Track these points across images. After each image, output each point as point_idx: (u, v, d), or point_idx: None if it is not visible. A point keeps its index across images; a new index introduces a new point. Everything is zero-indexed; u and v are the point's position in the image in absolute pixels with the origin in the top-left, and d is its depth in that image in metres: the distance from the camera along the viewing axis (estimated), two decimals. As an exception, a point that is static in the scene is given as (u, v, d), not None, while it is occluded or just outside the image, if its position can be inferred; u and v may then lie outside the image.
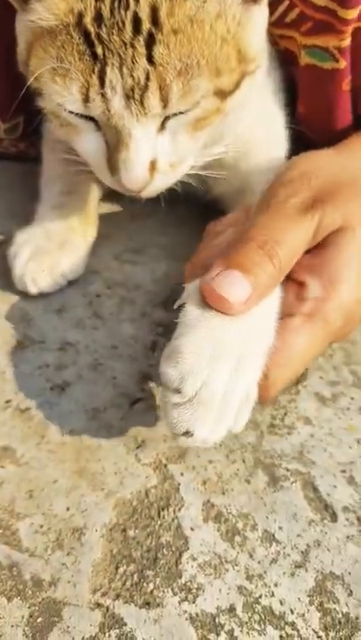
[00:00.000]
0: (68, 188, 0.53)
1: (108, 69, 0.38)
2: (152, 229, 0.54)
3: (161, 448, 0.39)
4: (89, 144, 0.43)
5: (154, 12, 0.37)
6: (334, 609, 0.33)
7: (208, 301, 0.34)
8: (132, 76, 0.38)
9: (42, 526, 0.36)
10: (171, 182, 0.44)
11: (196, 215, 0.55)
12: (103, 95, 0.39)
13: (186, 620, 0.33)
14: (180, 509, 0.37)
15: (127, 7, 0.37)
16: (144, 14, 0.37)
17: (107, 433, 0.40)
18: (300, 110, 0.51)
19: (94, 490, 0.37)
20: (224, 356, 0.34)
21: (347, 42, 0.45)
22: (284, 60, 0.51)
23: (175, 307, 0.36)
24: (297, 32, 0.47)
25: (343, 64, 0.46)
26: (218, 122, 0.43)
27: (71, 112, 0.41)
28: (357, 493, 0.38)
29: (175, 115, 0.41)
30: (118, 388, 0.42)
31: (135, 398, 0.42)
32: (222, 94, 0.41)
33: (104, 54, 0.38)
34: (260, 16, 0.44)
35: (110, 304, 0.47)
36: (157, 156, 0.41)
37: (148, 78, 0.38)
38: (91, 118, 0.41)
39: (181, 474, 0.38)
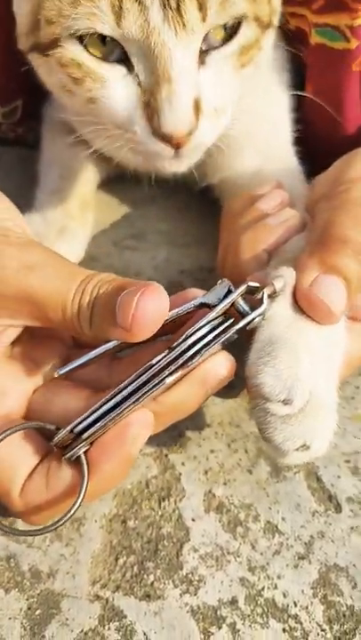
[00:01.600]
0: (66, 172, 0.52)
1: None
2: (152, 216, 0.53)
3: (162, 438, 0.38)
4: (119, 93, 0.38)
5: None
6: (338, 601, 0.33)
7: (306, 307, 0.32)
8: None
9: (40, 517, 0.35)
10: (214, 137, 0.40)
11: (196, 202, 0.54)
12: (140, 4, 0.35)
13: (187, 612, 0.32)
14: (181, 500, 0.36)
15: None
16: None
17: (106, 422, 0.39)
18: (308, 91, 0.49)
19: (94, 480, 0.37)
20: (319, 361, 0.32)
21: (359, 21, 0.43)
22: (295, 38, 0.49)
23: (260, 298, 0.32)
24: (308, 10, 0.46)
25: (355, 44, 0.45)
26: (255, 64, 0.40)
27: (99, 47, 0.37)
28: (362, 484, 0.37)
29: (217, 48, 0.38)
30: (118, 377, 0.41)
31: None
32: (261, 24, 0.39)
33: None
34: None
35: (110, 291, 0.46)
36: (201, 94, 0.37)
37: None
38: (120, 60, 0.37)
39: (182, 464, 0.38)
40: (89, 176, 0.53)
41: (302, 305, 0.32)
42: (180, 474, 0.37)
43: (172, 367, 0.30)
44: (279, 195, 0.41)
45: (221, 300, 0.31)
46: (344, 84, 0.47)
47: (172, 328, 0.32)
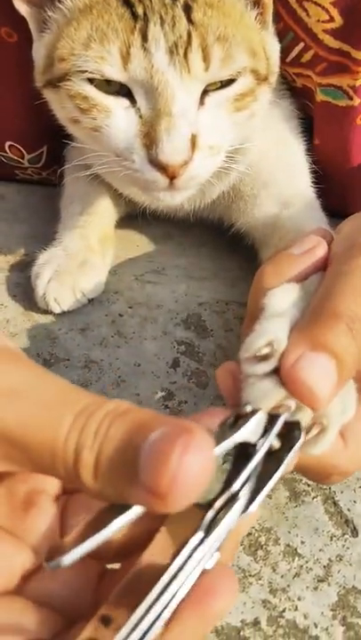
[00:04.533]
0: (86, 209, 0.54)
1: (151, 25, 0.39)
2: (171, 251, 0.56)
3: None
4: (121, 123, 0.41)
5: None
6: (357, 623, 0.34)
7: (288, 388, 0.28)
8: (174, 32, 0.39)
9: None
10: (207, 172, 0.43)
11: (211, 239, 0.57)
12: (146, 50, 0.39)
13: (211, 632, 0.33)
14: (203, 523, 0.38)
15: None
16: None
17: (131, 448, 0.41)
18: (316, 143, 0.53)
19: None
20: None
21: (360, 81, 0.47)
22: (302, 95, 0.53)
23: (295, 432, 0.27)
24: (313, 72, 0.49)
25: (357, 101, 0.48)
26: (250, 112, 0.43)
27: (103, 85, 0.40)
28: (378, 509, 0.39)
29: (215, 90, 0.41)
30: (142, 405, 0.43)
31: (158, 415, 0.43)
32: (258, 76, 0.43)
33: (145, 13, 0.39)
34: (273, 41, 0.46)
35: (133, 323, 0.49)
36: (198, 131, 0.40)
37: (189, 36, 0.39)
38: (124, 93, 0.41)
39: (205, 489, 0.39)
40: (108, 212, 0.56)
41: (285, 385, 0.28)
42: (203, 498, 0.39)
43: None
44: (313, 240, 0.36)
45: (259, 440, 0.25)
46: (350, 137, 0.50)
47: None
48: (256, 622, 0.34)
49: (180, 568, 0.22)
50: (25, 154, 0.59)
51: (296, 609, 0.35)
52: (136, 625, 0.21)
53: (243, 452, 0.25)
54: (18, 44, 0.50)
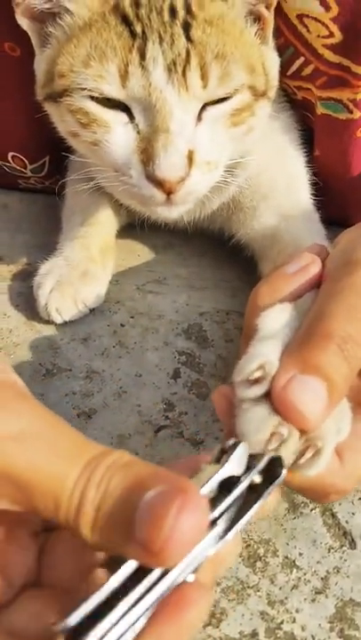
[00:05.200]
0: (87, 219, 0.55)
1: (149, 44, 0.39)
2: (172, 261, 0.56)
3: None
4: (119, 138, 0.41)
5: (187, 2, 0.40)
6: (355, 635, 0.34)
7: (279, 410, 0.28)
8: (172, 50, 0.39)
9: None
10: (204, 188, 0.43)
11: (211, 249, 0.57)
12: (144, 68, 0.39)
13: (210, 644, 0.34)
14: (203, 535, 0.38)
15: None
16: (179, 3, 0.40)
17: (132, 459, 0.41)
18: (316, 154, 0.53)
19: (120, 515, 0.39)
20: None
21: (360, 94, 0.47)
22: (302, 107, 0.53)
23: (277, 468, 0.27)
24: (313, 85, 0.49)
25: (358, 114, 0.48)
26: (247, 126, 0.44)
27: (103, 104, 0.41)
28: (376, 521, 0.39)
29: (212, 105, 0.41)
30: (143, 416, 0.44)
31: (159, 426, 0.43)
32: (255, 92, 0.43)
33: (143, 31, 0.40)
34: (272, 56, 0.47)
35: (134, 333, 0.49)
36: (196, 148, 0.41)
37: (188, 54, 0.39)
38: (123, 109, 0.41)
39: (204, 500, 0.40)
40: (109, 223, 0.56)
41: (277, 408, 0.29)
42: (202, 510, 0.39)
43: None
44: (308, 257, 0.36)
45: (243, 475, 0.26)
46: (350, 150, 0.51)
47: None
48: (254, 634, 0.34)
49: (152, 587, 0.23)
50: (27, 164, 0.59)
51: (294, 621, 0.35)
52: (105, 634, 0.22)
53: (227, 483, 0.25)
54: (21, 59, 0.50)
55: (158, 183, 0.41)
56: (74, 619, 0.22)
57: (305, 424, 0.28)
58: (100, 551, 0.24)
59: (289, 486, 0.33)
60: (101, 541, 0.23)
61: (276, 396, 0.29)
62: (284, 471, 0.27)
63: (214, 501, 0.25)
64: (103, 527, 0.23)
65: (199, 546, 0.23)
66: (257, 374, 0.29)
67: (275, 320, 0.32)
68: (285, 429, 0.28)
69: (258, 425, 0.28)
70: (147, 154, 0.40)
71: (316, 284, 0.34)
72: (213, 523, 0.24)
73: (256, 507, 0.26)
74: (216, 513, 0.24)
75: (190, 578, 0.23)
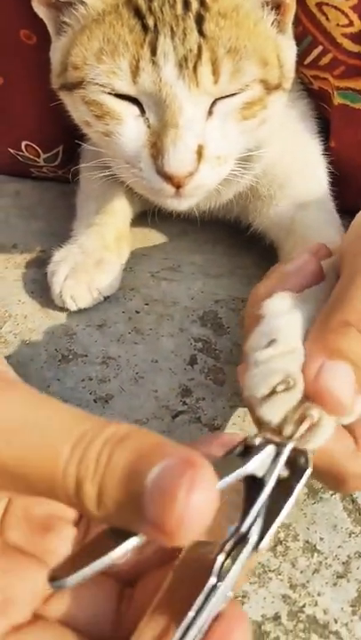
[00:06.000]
0: (102, 207, 0.55)
1: (161, 38, 0.39)
2: (187, 248, 0.56)
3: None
4: (131, 131, 0.42)
5: None
6: (377, 619, 0.34)
7: (315, 400, 0.28)
8: (184, 45, 0.39)
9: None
10: (214, 182, 0.43)
11: (226, 236, 0.57)
12: (155, 63, 0.39)
13: (232, 627, 0.34)
14: (223, 519, 0.38)
15: None
16: None
17: (150, 444, 0.41)
18: (332, 146, 0.53)
19: (140, 499, 0.38)
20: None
21: None
22: (319, 98, 0.53)
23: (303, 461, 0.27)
24: (330, 75, 0.49)
25: None
26: (259, 120, 0.43)
27: (116, 95, 0.41)
28: (396, 506, 0.39)
29: (223, 98, 0.41)
30: (160, 402, 0.44)
31: (177, 411, 0.43)
32: (268, 86, 0.42)
33: (155, 25, 0.39)
34: (289, 46, 0.46)
35: (149, 320, 0.49)
36: (205, 142, 0.41)
37: (200, 49, 0.39)
38: (135, 101, 0.41)
39: (224, 485, 0.39)
40: (124, 210, 0.56)
41: (311, 397, 0.29)
42: (222, 494, 0.39)
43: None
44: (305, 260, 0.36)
45: (266, 473, 0.25)
46: None
47: None
48: (277, 617, 0.34)
49: (195, 617, 0.22)
50: (41, 153, 0.59)
51: (316, 604, 0.35)
52: None
53: (249, 484, 0.25)
54: (37, 47, 0.50)
55: (167, 177, 0.41)
56: (72, 580, 0.21)
57: (341, 409, 0.28)
58: (109, 525, 0.23)
59: None
60: (108, 517, 0.22)
61: (309, 387, 0.29)
62: (310, 463, 0.26)
63: (239, 506, 0.24)
64: (109, 504, 0.22)
65: (238, 560, 0.23)
66: (280, 388, 0.29)
67: (278, 305, 0.32)
68: (316, 412, 0.28)
69: (284, 411, 0.28)
70: (156, 148, 0.41)
71: (316, 280, 0.35)
72: (245, 535, 0.24)
73: (288, 506, 0.25)
74: (247, 525, 0.24)
75: (229, 597, 0.23)
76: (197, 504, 0.20)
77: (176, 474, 0.21)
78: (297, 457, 0.26)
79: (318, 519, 0.38)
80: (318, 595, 0.35)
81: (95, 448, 0.22)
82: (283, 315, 0.32)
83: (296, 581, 0.36)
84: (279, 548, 0.37)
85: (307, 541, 0.37)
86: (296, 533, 0.38)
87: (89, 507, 0.22)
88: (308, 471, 0.26)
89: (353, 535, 0.38)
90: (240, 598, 0.35)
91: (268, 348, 0.30)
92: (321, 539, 0.37)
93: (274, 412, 0.28)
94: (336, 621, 0.34)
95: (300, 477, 0.26)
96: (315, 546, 0.37)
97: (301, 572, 0.36)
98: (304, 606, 0.35)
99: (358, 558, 0.37)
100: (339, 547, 0.37)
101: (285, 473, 0.26)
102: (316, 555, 0.37)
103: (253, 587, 0.35)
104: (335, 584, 0.36)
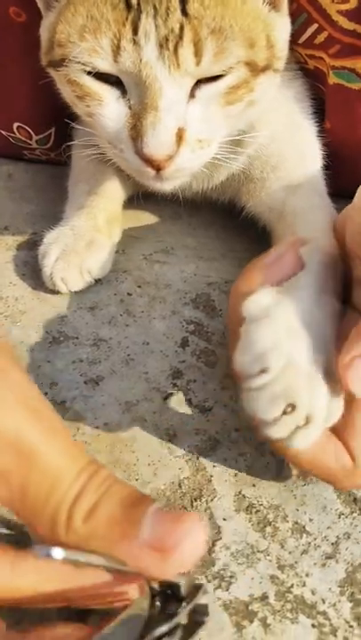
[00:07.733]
0: (94, 188, 0.54)
1: (143, 17, 0.38)
2: (179, 231, 0.56)
3: (193, 441, 0.40)
4: (112, 112, 0.41)
5: None
6: (365, 599, 0.34)
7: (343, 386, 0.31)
8: (166, 25, 0.38)
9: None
10: (195, 165, 0.43)
11: (219, 219, 0.56)
12: (135, 43, 0.38)
13: (220, 606, 0.34)
14: (212, 500, 0.38)
15: None
16: None
17: (140, 426, 0.41)
18: (327, 126, 0.52)
19: (129, 479, 0.38)
20: (299, 329, 0.33)
21: None
22: (313, 77, 0.52)
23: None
24: (326, 53, 0.48)
25: None
26: (246, 103, 0.42)
27: (96, 75, 0.40)
28: (386, 488, 0.39)
29: (206, 82, 0.40)
30: (150, 383, 0.43)
31: (167, 393, 0.43)
32: (254, 68, 0.41)
33: (139, 3, 0.38)
34: (282, 24, 0.45)
35: (141, 302, 0.49)
36: (186, 125, 0.40)
37: (182, 29, 0.38)
38: (116, 83, 0.41)
39: (213, 466, 0.39)
40: (116, 192, 0.55)
41: (350, 387, 0.31)
42: (212, 475, 0.39)
43: None
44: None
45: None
46: None
47: None
48: (264, 597, 0.34)
49: None
50: (33, 135, 0.58)
51: (304, 585, 0.35)
52: None
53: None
54: (26, 24, 0.50)
55: (146, 160, 0.41)
56: (59, 553, 0.23)
57: None
58: (76, 547, 0.24)
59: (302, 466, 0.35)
60: (90, 535, 0.24)
61: (339, 372, 0.31)
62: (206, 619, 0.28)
63: None
64: (99, 519, 0.24)
65: None
66: (288, 410, 0.30)
67: (259, 303, 0.32)
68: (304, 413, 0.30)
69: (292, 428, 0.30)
70: (136, 130, 0.40)
71: (295, 269, 0.35)
72: None
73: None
74: None
75: None
76: (196, 540, 0.25)
77: (178, 513, 0.25)
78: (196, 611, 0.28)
79: (308, 500, 0.38)
80: (307, 575, 0.35)
81: (99, 478, 0.26)
82: (265, 320, 0.32)
83: (285, 562, 0.36)
84: (268, 530, 0.37)
85: (296, 522, 0.37)
86: (285, 514, 0.37)
87: (77, 517, 0.24)
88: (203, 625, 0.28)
89: (342, 516, 0.38)
90: (228, 578, 0.35)
91: (261, 374, 0.30)
92: (310, 520, 0.37)
93: (283, 431, 0.31)
94: (324, 602, 0.34)
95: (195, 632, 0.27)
96: (304, 527, 0.37)
97: (290, 552, 0.36)
98: (292, 587, 0.35)
99: (347, 539, 0.37)
100: (328, 528, 0.37)
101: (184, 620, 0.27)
102: (305, 536, 0.37)
103: (241, 567, 0.35)
104: (324, 565, 0.36)
